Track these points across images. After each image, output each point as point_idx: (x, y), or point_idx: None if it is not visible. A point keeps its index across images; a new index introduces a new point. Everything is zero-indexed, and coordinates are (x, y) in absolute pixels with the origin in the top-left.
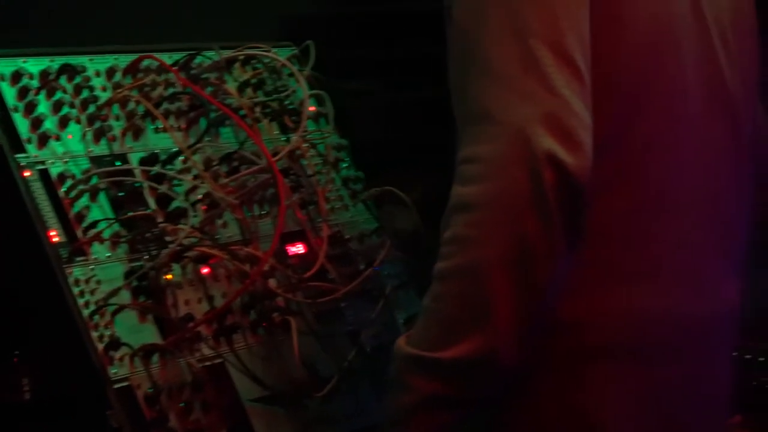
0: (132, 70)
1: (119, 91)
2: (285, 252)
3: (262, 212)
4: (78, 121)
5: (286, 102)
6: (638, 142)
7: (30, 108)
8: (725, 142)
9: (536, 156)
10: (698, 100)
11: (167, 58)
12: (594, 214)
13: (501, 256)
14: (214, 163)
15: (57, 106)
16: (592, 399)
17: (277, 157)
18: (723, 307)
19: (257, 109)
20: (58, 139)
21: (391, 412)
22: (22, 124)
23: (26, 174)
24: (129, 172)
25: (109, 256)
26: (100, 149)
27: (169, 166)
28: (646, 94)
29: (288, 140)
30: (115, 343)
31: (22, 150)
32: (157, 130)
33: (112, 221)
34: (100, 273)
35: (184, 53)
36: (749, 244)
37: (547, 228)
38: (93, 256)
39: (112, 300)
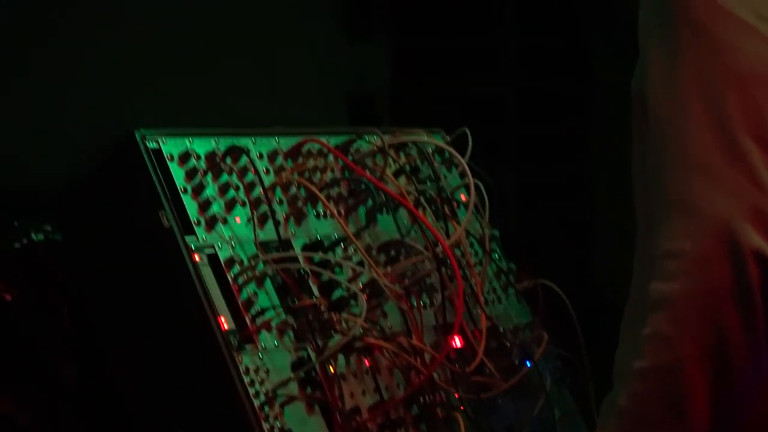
0: (294, 153)
1: (284, 175)
2: (445, 344)
3: (425, 303)
4: (243, 205)
5: (442, 191)
6: None
7: (198, 190)
8: None
9: (742, 252)
10: None
11: (326, 142)
12: None
13: (702, 354)
14: (373, 252)
15: (224, 189)
16: None
17: (448, 243)
18: None
19: (418, 197)
20: (225, 222)
21: None
22: (191, 206)
23: (197, 258)
24: (294, 259)
25: (276, 345)
26: (265, 234)
27: (333, 254)
28: None
29: (447, 231)
30: None
31: (192, 233)
32: (318, 216)
33: (280, 310)
34: (268, 362)
35: (343, 137)
36: None
37: (749, 327)
38: (261, 345)
39: (280, 391)
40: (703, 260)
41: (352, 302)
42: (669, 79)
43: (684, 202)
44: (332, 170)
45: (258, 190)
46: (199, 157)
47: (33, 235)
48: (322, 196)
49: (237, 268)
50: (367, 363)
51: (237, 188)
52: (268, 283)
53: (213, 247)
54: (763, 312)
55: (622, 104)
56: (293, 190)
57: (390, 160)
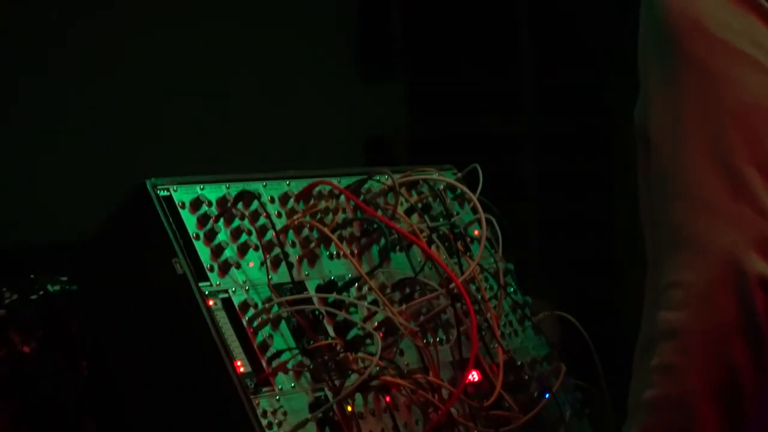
0: (305, 196)
1: (296, 217)
2: (462, 379)
3: (440, 339)
4: (256, 249)
5: (455, 227)
6: None
7: (210, 236)
8: None
9: (748, 281)
10: None
11: (337, 184)
12: None
13: (710, 387)
14: (388, 290)
15: (236, 234)
16: None
17: (460, 280)
18: None
19: (431, 234)
20: (238, 267)
21: None
22: (203, 252)
23: (211, 303)
24: (308, 300)
25: (293, 387)
26: (279, 277)
27: (347, 294)
28: None
29: (461, 267)
30: None
31: (206, 279)
32: (331, 257)
33: (296, 351)
34: (285, 404)
35: (354, 178)
36: None
37: (757, 357)
38: (278, 387)
39: (300, 431)
40: (709, 291)
41: (368, 341)
42: (670, 114)
43: (688, 237)
44: (344, 211)
45: (270, 234)
46: (210, 204)
47: (49, 287)
48: (334, 237)
49: (251, 311)
50: (384, 401)
51: (249, 233)
52: (283, 325)
53: (227, 291)
54: None
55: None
56: (305, 232)
57: (402, 199)
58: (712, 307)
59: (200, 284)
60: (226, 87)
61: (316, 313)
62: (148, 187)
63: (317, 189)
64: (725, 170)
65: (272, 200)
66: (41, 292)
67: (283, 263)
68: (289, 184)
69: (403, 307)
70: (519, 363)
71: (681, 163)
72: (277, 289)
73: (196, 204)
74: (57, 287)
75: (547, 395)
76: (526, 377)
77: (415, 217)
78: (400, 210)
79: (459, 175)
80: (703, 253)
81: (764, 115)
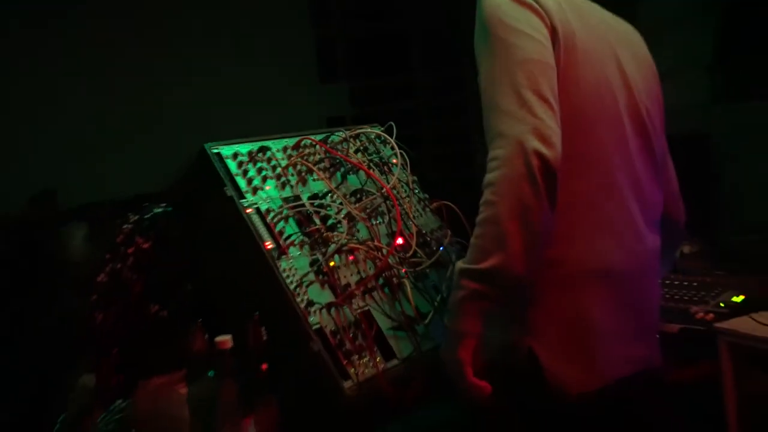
0: (296, 146)
1: (292, 159)
2: (393, 243)
3: (379, 221)
4: (271, 178)
5: (382, 158)
6: (589, 147)
7: (244, 173)
8: (643, 150)
9: (528, 152)
10: (626, 124)
11: (314, 138)
12: (563, 193)
13: (510, 211)
14: (348, 196)
15: (259, 171)
16: (582, 304)
17: (388, 187)
18: (652, 248)
19: (369, 162)
20: (262, 190)
21: (451, 303)
22: (241, 182)
23: (248, 211)
24: (303, 206)
25: (299, 254)
26: (285, 193)
27: (324, 200)
28: (595, 120)
29: (387, 180)
30: (310, 303)
31: (244, 197)
32: (315, 180)
33: (299, 234)
34: (296, 264)
35: (323, 134)
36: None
37: (536, 193)
38: (291, 255)
39: (304, 279)
40: (508, 159)
41: (339, 226)
42: (488, 69)
43: (498, 131)
44: (319, 154)
45: (279, 170)
46: (243, 155)
47: (155, 210)
48: (315, 168)
49: (272, 214)
50: (350, 258)
51: (267, 170)
52: (291, 220)
53: (257, 204)
54: (543, 185)
55: None
56: (299, 167)
57: (351, 144)
58: (510, 167)
59: (241, 201)
60: (245, 90)
61: (309, 212)
62: (206, 148)
63: (303, 142)
64: (516, 95)
65: (278, 150)
66: (152, 213)
67: (288, 185)
68: (287, 141)
69: (357, 205)
70: (424, 232)
71: (494, 93)
72: (285, 200)
73: (234, 156)
74: (160, 210)
75: (441, 248)
76: (429, 239)
77: (360, 154)
78: (351, 150)
79: (382, 128)
80: (505, 140)
81: (536, 64)
